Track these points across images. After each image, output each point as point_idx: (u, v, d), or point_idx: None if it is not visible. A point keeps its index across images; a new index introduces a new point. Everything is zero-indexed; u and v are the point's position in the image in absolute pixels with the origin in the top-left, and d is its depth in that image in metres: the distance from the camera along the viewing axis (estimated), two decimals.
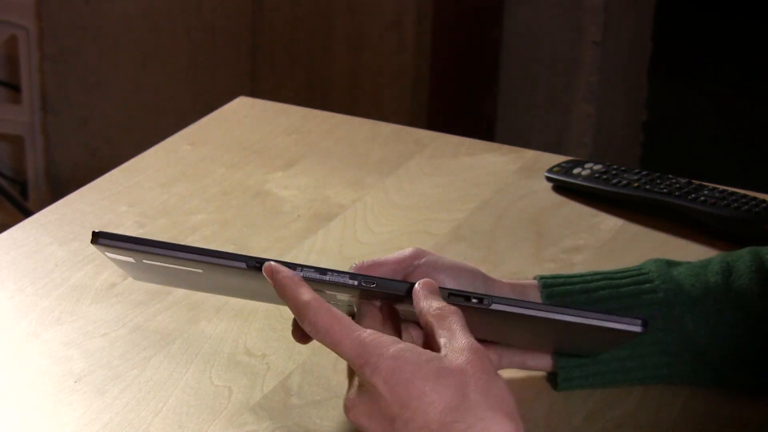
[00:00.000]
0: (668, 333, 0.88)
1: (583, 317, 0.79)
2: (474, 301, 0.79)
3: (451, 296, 0.79)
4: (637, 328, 0.79)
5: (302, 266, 0.79)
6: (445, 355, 0.72)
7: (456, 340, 0.73)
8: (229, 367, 0.91)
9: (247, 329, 0.96)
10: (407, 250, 0.89)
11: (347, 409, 0.74)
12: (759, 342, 0.87)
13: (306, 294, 0.76)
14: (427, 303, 0.77)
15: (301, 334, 0.82)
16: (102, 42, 2.59)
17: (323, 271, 0.79)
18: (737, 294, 0.88)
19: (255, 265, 0.79)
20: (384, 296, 0.80)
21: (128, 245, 0.79)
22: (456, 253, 1.07)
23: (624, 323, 0.79)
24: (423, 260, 0.88)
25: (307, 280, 0.78)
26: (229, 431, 0.84)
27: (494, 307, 0.79)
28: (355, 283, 0.79)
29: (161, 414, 0.86)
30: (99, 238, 0.79)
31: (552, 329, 0.82)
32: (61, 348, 0.93)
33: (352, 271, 0.86)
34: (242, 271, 0.79)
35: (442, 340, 0.74)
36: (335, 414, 0.86)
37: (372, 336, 0.73)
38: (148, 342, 0.94)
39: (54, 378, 0.89)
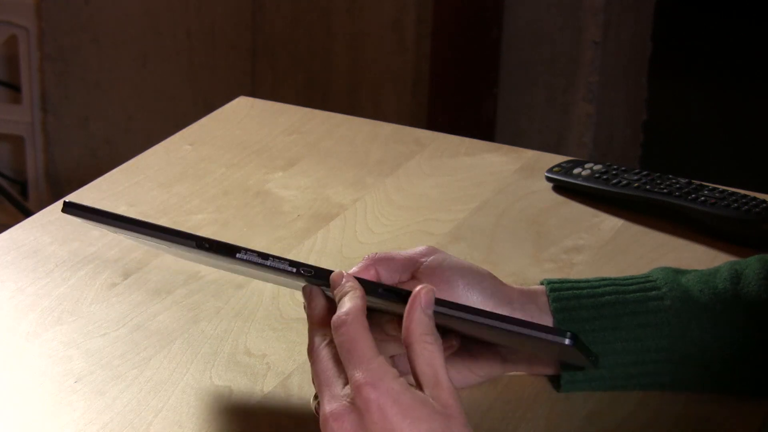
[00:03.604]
0: (674, 341, 0.88)
1: (508, 325, 0.77)
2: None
3: (385, 291, 0.78)
4: (565, 340, 0.75)
5: (246, 249, 0.80)
6: (432, 397, 0.73)
7: (440, 385, 0.73)
8: (229, 367, 0.91)
9: (247, 329, 0.96)
10: (420, 248, 0.89)
11: (328, 420, 0.73)
12: (766, 348, 0.87)
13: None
14: (420, 326, 0.75)
15: None
16: (102, 42, 2.59)
17: (265, 256, 0.80)
18: (746, 300, 0.88)
19: (204, 245, 0.80)
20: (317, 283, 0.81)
21: (94, 217, 0.83)
22: (456, 253, 1.06)
23: (551, 335, 0.76)
24: (431, 258, 0.88)
25: (248, 263, 0.79)
26: (228, 431, 0.84)
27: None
28: (294, 270, 0.79)
29: (161, 414, 0.86)
30: (69, 208, 0.83)
31: (498, 335, 0.80)
32: (61, 348, 0.93)
33: (365, 261, 0.87)
34: (199, 250, 0.81)
35: (424, 379, 0.73)
36: None
37: (383, 360, 0.74)
38: (148, 342, 0.94)
39: (54, 378, 0.89)
